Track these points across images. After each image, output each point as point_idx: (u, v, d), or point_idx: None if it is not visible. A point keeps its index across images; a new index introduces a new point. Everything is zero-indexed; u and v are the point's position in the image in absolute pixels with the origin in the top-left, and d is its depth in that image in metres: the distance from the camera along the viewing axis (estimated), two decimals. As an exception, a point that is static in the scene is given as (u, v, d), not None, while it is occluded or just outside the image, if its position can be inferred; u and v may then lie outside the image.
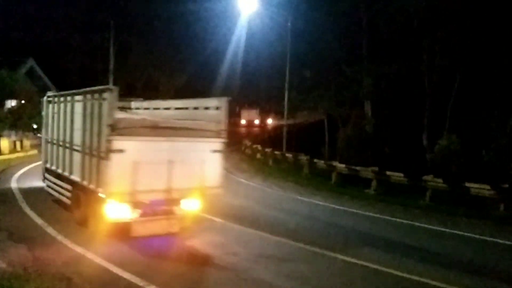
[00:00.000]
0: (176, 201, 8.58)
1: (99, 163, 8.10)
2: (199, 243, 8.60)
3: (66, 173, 9.82)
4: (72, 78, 35.12)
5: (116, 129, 7.73)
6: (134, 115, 9.85)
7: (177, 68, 41.28)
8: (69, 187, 9.64)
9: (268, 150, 25.34)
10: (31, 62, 32.01)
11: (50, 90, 33.87)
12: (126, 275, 6.48)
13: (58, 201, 10.46)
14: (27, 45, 33.77)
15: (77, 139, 9.25)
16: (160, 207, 8.46)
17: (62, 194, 10.10)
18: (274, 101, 49.18)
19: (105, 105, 7.99)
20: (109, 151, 7.69)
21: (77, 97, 9.54)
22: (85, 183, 8.74)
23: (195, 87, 46.91)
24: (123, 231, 8.09)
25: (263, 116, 54.21)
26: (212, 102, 9.43)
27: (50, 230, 8.82)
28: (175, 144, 8.31)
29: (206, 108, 9.45)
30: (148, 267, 6.95)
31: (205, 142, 8.68)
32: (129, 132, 7.87)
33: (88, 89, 9.06)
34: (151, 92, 39.67)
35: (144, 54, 37.53)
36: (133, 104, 12.15)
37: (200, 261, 7.58)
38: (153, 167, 8.04)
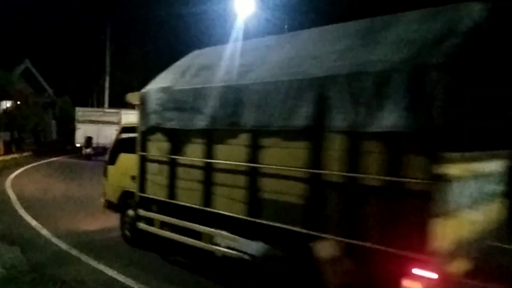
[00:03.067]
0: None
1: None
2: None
3: None
4: (68, 80, 35.03)
5: (78, 121, 26.10)
6: (90, 116, 26.48)
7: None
8: None
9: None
10: (26, 63, 31.91)
11: (45, 91, 33.75)
12: (121, 277, 6.44)
13: None
14: (22, 46, 33.65)
15: None
16: (100, 149, 23.85)
17: None
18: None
19: (75, 113, 26.82)
20: (76, 128, 26.14)
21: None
22: None
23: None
24: (88, 157, 24.60)
25: None
26: (118, 110, 25.11)
27: (44, 232, 8.78)
28: (100, 127, 24.96)
29: (116, 113, 25.01)
30: (144, 270, 6.92)
31: (112, 126, 22.70)
32: (82, 122, 25.89)
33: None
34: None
35: (141, 55, 37.47)
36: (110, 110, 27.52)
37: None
38: (91, 134, 24.98)
